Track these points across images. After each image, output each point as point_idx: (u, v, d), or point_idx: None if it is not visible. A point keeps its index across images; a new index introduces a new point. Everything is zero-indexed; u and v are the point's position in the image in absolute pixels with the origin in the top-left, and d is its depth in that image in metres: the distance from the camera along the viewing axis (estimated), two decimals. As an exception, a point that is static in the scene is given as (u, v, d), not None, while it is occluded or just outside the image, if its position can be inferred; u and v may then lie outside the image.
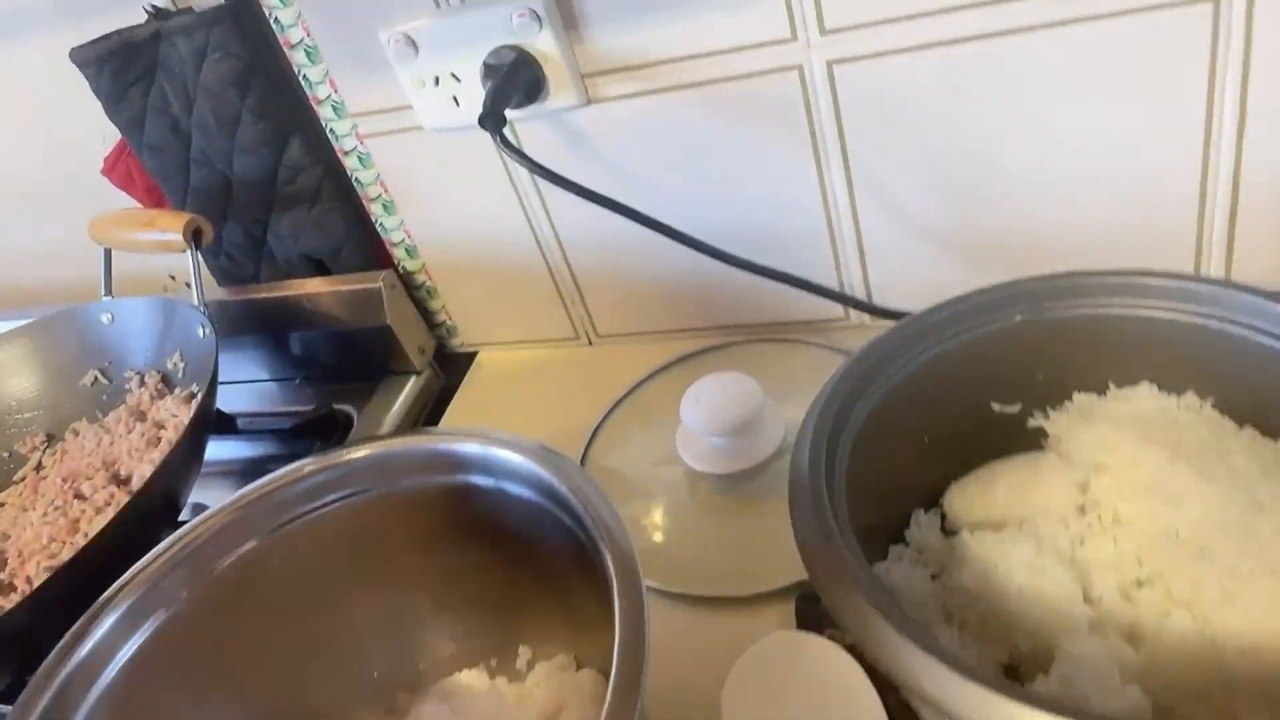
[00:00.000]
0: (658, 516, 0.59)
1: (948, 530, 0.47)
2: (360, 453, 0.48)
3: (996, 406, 0.48)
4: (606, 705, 0.32)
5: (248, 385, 0.81)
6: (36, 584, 0.58)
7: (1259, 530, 0.38)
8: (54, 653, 0.42)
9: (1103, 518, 0.42)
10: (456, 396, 0.76)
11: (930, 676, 0.31)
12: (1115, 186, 0.55)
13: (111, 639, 0.44)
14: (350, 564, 0.49)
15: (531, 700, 0.48)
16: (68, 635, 0.43)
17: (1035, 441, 0.47)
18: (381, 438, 0.50)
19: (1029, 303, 0.45)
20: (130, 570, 0.45)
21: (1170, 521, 0.40)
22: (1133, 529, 0.41)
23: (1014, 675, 0.42)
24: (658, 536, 0.58)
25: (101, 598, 0.44)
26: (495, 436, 0.45)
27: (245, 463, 0.75)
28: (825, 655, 0.46)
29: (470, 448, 0.45)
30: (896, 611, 0.34)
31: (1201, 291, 0.43)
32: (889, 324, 0.61)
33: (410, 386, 0.76)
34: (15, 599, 0.59)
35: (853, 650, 0.46)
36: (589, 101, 0.60)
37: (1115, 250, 0.57)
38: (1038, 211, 0.57)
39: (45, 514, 0.63)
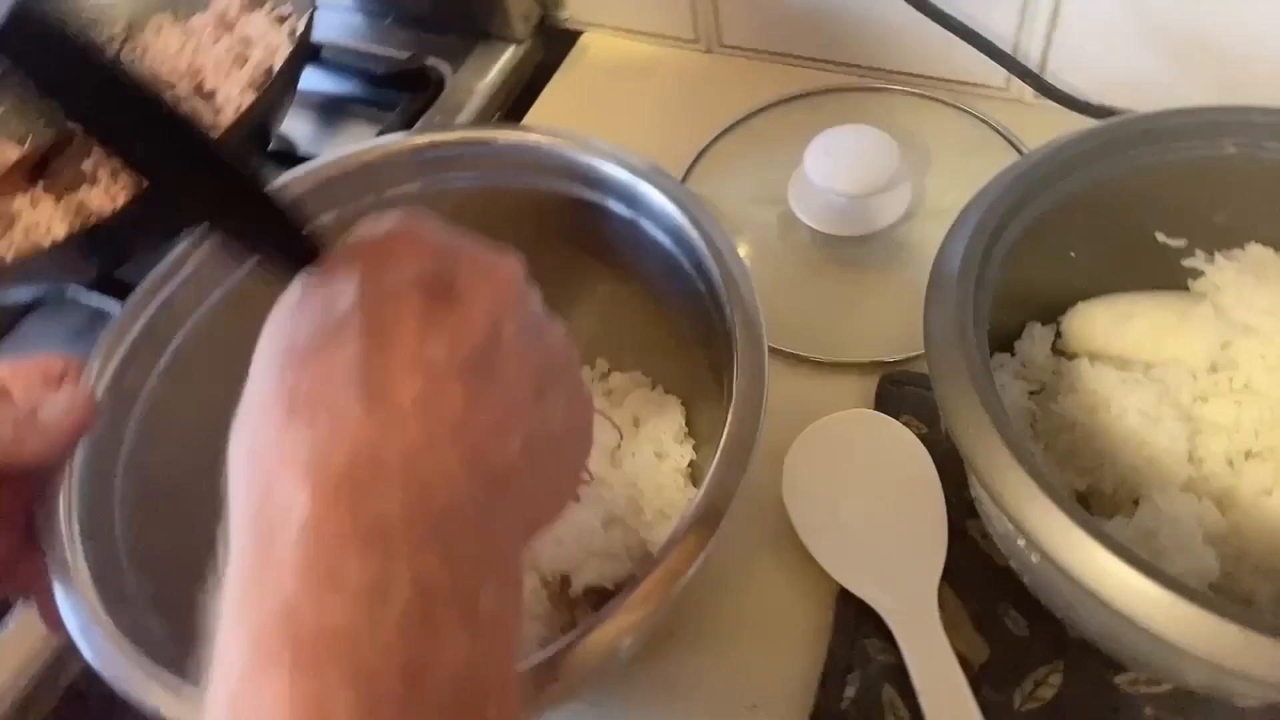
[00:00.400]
0: (747, 259, 0.57)
1: (1058, 351, 0.45)
2: (481, 134, 0.44)
3: (1160, 236, 0.44)
4: (717, 460, 0.32)
5: (334, 11, 0.75)
6: (120, 182, 0.58)
7: (1403, 436, 0.36)
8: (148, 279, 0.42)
9: (1234, 381, 0.40)
10: (554, 79, 0.70)
11: (1030, 501, 0.31)
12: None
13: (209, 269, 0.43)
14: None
15: (608, 404, 0.48)
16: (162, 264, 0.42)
17: (1182, 283, 0.44)
18: (513, 128, 0.45)
19: (1247, 136, 0.40)
20: None
21: (1310, 404, 0.38)
22: (1261, 399, 0.39)
23: (1085, 505, 0.42)
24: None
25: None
26: (635, 164, 0.41)
27: (325, 97, 0.71)
28: (899, 441, 0.46)
29: (608, 168, 0.42)
30: (1008, 425, 0.33)
31: None
32: (1048, 104, 0.56)
33: (508, 56, 0.70)
34: (99, 192, 0.59)
35: (925, 440, 0.46)
36: None
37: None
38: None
39: (126, 113, 0.61)
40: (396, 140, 0.44)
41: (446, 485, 0.21)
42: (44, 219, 0.59)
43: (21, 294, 0.61)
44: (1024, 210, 0.39)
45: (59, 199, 0.60)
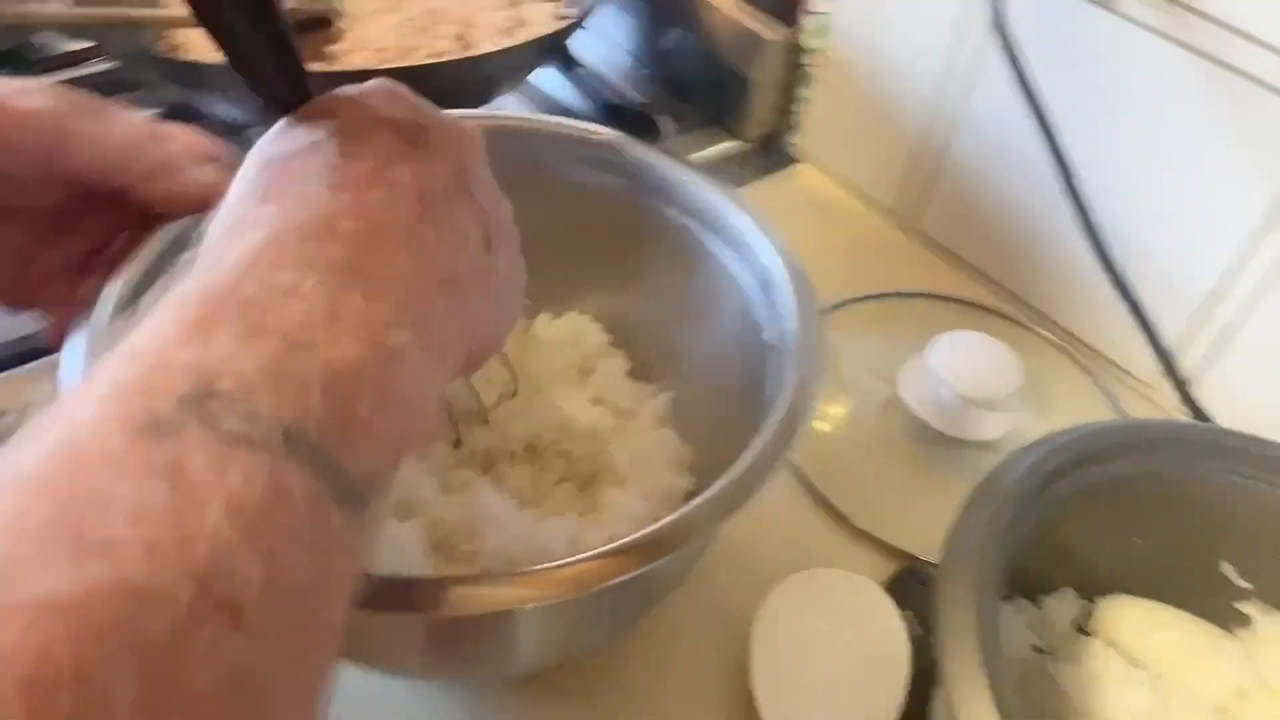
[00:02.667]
0: (838, 413, 0.57)
1: (1082, 629, 0.43)
2: (647, 154, 0.49)
3: (1226, 568, 0.42)
4: (700, 498, 0.32)
5: (605, 42, 0.82)
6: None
7: None
8: None
9: (1237, 736, 0.38)
10: (757, 183, 0.74)
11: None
12: None
13: None
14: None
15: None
16: None
17: (1228, 622, 0.42)
18: (675, 155, 0.49)
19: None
20: None
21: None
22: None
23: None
24: (827, 426, 0.57)
25: None
26: (767, 224, 0.44)
27: (554, 104, 0.77)
28: (889, 627, 0.45)
29: (739, 217, 0.45)
30: (998, 668, 0.32)
31: None
32: (1182, 415, 0.56)
33: (727, 146, 0.74)
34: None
35: (914, 641, 0.44)
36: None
37: None
38: None
39: (399, 26, 0.67)
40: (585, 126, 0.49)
41: (391, 266, 0.24)
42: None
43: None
44: (1096, 466, 0.39)
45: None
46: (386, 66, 0.64)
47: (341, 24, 0.68)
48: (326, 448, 0.20)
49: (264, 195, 0.24)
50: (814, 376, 0.37)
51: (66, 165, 0.34)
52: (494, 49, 0.64)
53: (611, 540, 0.30)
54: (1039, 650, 0.42)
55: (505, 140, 0.48)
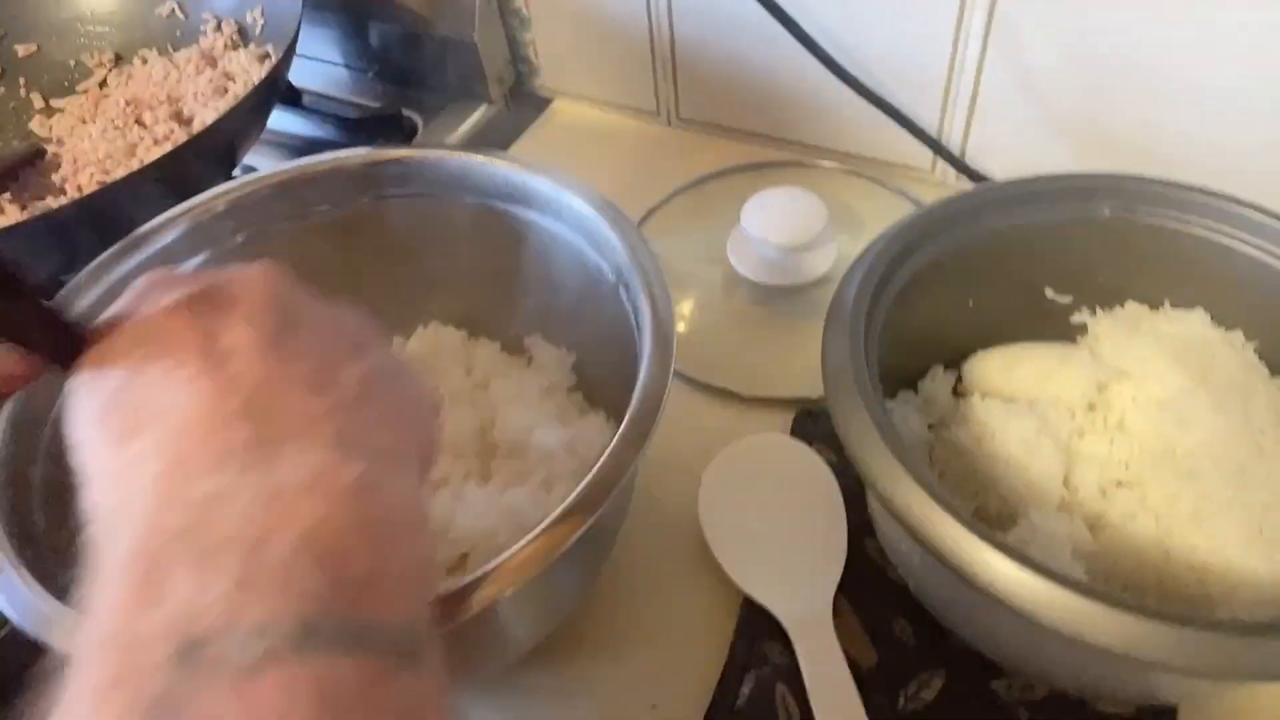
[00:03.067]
0: (687, 308, 0.61)
1: (959, 393, 0.49)
2: (433, 155, 0.48)
3: (1050, 293, 0.48)
4: (615, 440, 0.34)
5: (319, 63, 0.80)
6: (87, 192, 0.60)
7: (1252, 470, 0.40)
8: (108, 253, 0.44)
9: (1108, 420, 0.44)
10: (523, 138, 0.75)
11: (913, 501, 0.34)
12: (1272, 115, 0.53)
13: (155, 262, 0.45)
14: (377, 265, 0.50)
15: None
16: (121, 242, 0.45)
17: (1071, 336, 0.48)
18: (453, 148, 0.50)
19: (1121, 200, 0.45)
20: (189, 202, 0.46)
21: (1171, 440, 0.42)
22: (1131, 437, 0.43)
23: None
24: (682, 326, 0.60)
25: (156, 219, 0.45)
26: (565, 179, 0.45)
27: (302, 140, 0.75)
28: (809, 464, 0.49)
29: (538, 182, 0.46)
30: (899, 440, 0.36)
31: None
32: (968, 186, 0.62)
33: (480, 114, 0.75)
34: (64, 201, 0.61)
35: (832, 467, 0.49)
36: None
37: (1240, 180, 0.55)
38: (1172, 120, 0.55)
39: (105, 130, 0.64)
40: (340, 156, 0.48)
41: (293, 412, 0.23)
42: (3, 224, 0.62)
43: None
44: (915, 255, 0.44)
45: (24, 208, 0.62)
46: (119, 175, 0.61)
47: (52, 150, 0.64)
48: (349, 616, 0.20)
49: (120, 437, 0.23)
50: (662, 291, 0.40)
51: None
52: (218, 114, 0.62)
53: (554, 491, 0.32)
54: (932, 427, 0.47)
55: (282, 196, 0.47)
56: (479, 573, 0.30)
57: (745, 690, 0.41)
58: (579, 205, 0.44)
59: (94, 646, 0.19)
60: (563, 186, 0.45)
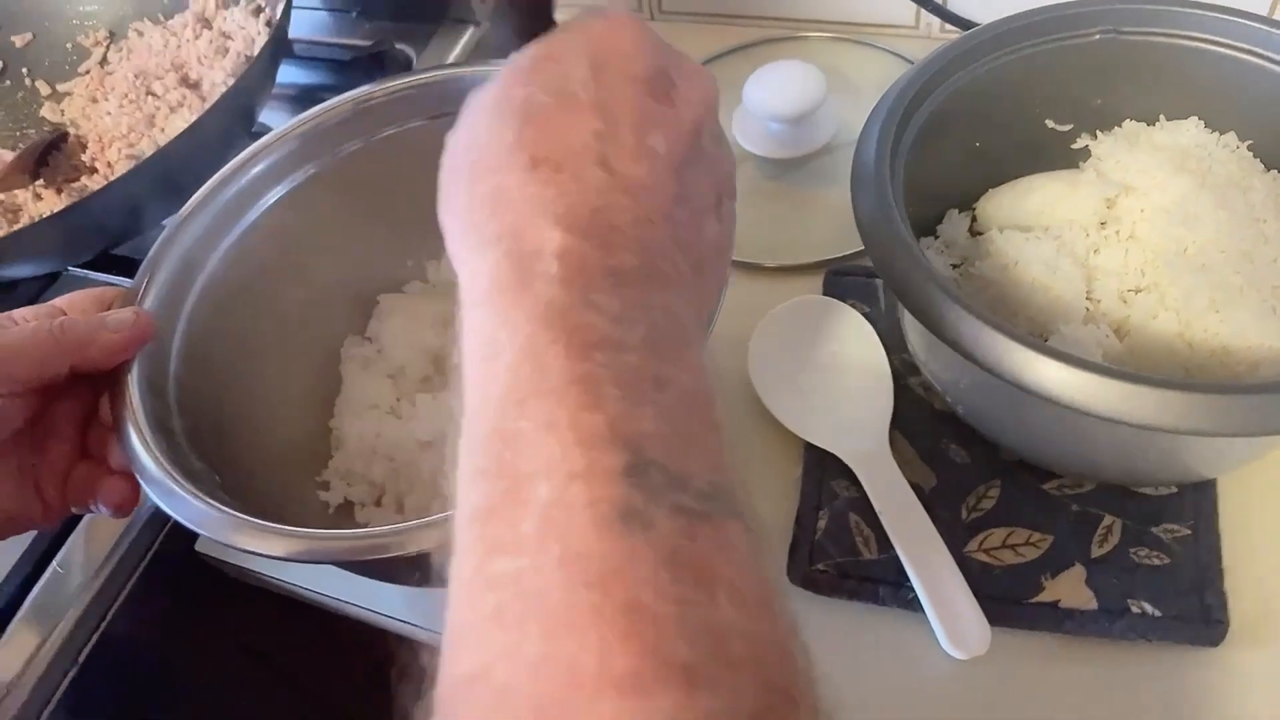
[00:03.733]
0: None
1: (975, 232, 0.52)
2: (444, 73, 0.50)
3: (1050, 123, 0.51)
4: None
5: (302, 11, 0.80)
6: (118, 168, 0.62)
7: (1258, 257, 0.44)
8: (182, 211, 0.47)
9: (1120, 232, 0.47)
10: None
11: (962, 324, 0.37)
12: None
13: (219, 220, 0.48)
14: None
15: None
16: (199, 193, 0.47)
17: (1075, 162, 0.51)
18: (456, 66, 0.51)
19: (1110, 22, 0.47)
20: (248, 150, 0.49)
21: (1181, 239, 0.45)
22: (1144, 245, 0.46)
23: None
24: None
25: (218, 175, 0.48)
26: None
27: (300, 89, 0.76)
28: (846, 318, 0.52)
29: None
30: (938, 274, 0.39)
31: (1276, 36, 0.45)
32: (956, 34, 0.63)
33: (469, 36, 0.76)
34: (99, 180, 0.63)
35: (868, 318, 0.52)
36: None
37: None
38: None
39: (121, 105, 0.66)
40: (399, 81, 0.51)
41: (664, 256, 0.24)
42: (46, 209, 0.64)
43: (23, 270, 0.64)
44: (920, 109, 0.46)
45: (60, 191, 0.65)
46: (144, 147, 0.63)
47: (74, 133, 0.66)
48: (708, 484, 0.21)
49: (534, 160, 0.24)
50: None
51: (14, 389, 0.35)
52: (231, 76, 0.64)
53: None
54: (956, 267, 0.50)
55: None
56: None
57: (821, 524, 0.46)
58: None
59: (534, 403, 0.20)
60: None
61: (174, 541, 0.51)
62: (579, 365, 0.21)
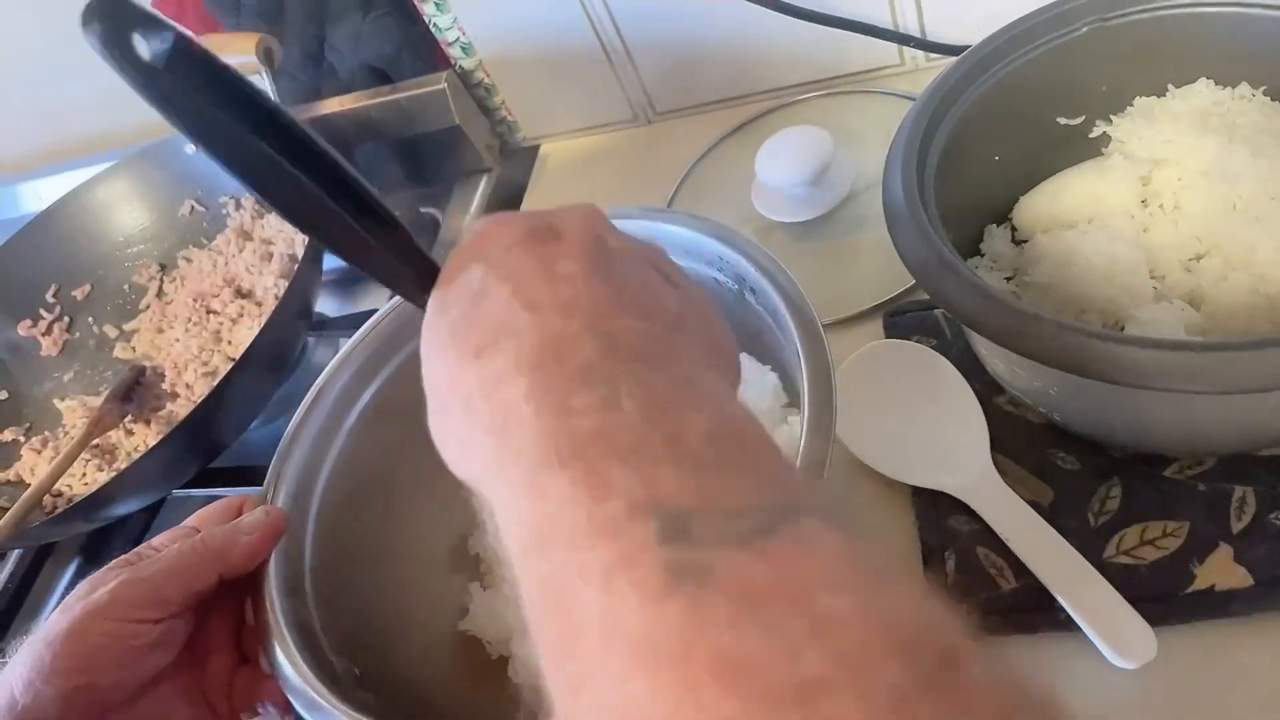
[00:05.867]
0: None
1: (1018, 241, 0.52)
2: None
3: (1061, 120, 0.51)
4: (804, 431, 0.38)
5: (327, 201, 0.85)
6: (198, 389, 0.66)
7: (1308, 195, 0.43)
8: (293, 423, 0.49)
9: (1164, 206, 0.47)
10: (529, 191, 0.80)
11: (1044, 333, 0.37)
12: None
13: (334, 413, 0.50)
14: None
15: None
16: (304, 404, 0.50)
17: (1098, 150, 0.52)
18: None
19: (1094, 13, 0.48)
20: (346, 346, 0.51)
21: (1227, 197, 0.45)
22: (1191, 212, 0.46)
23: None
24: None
25: (320, 380, 0.51)
26: (651, 212, 0.49)
27: (339, 272, 0.80)
28: (917, 355, 0.52)
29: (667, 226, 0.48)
30: (997, 290, 0.40)
31: (1256, -16, 0.46)
32: (946, 62, 0.65)
33: (485, 184, 0.80)
34: (183, 404, 0.66)
35: (938, 349, 0.52)
36: None
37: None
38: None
39: (186, 329, 0.70)
40: None
41: (628, 333, 0.25)
42: (140, 442, 0.67)
43: (131, 505, 0.67)
44: (936, 134, 0.47)
45: (149, 422, 0.68)
46: (217, 363, 0.67)
47: (149, 365, 0.70)
48: (762, 501, 0.21)
49: (475, 351, 0.25)
50: (791, 285, 0.44)
51: (172, 610, 0.37)
52: (281, 278, 0.68)
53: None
54: (1009, 279, 0.51)
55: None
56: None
57: (950, 565, 0.45)
58: (673, 230, 0.48)
59: (558, 541, 0.20)
60: (654, 219, 0.48)
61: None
62: (576, 468, 0.21)
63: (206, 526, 0.41)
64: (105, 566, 0.39)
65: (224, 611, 0.42)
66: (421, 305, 0.30)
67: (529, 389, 0.23)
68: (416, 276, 0.30)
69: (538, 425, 0.22)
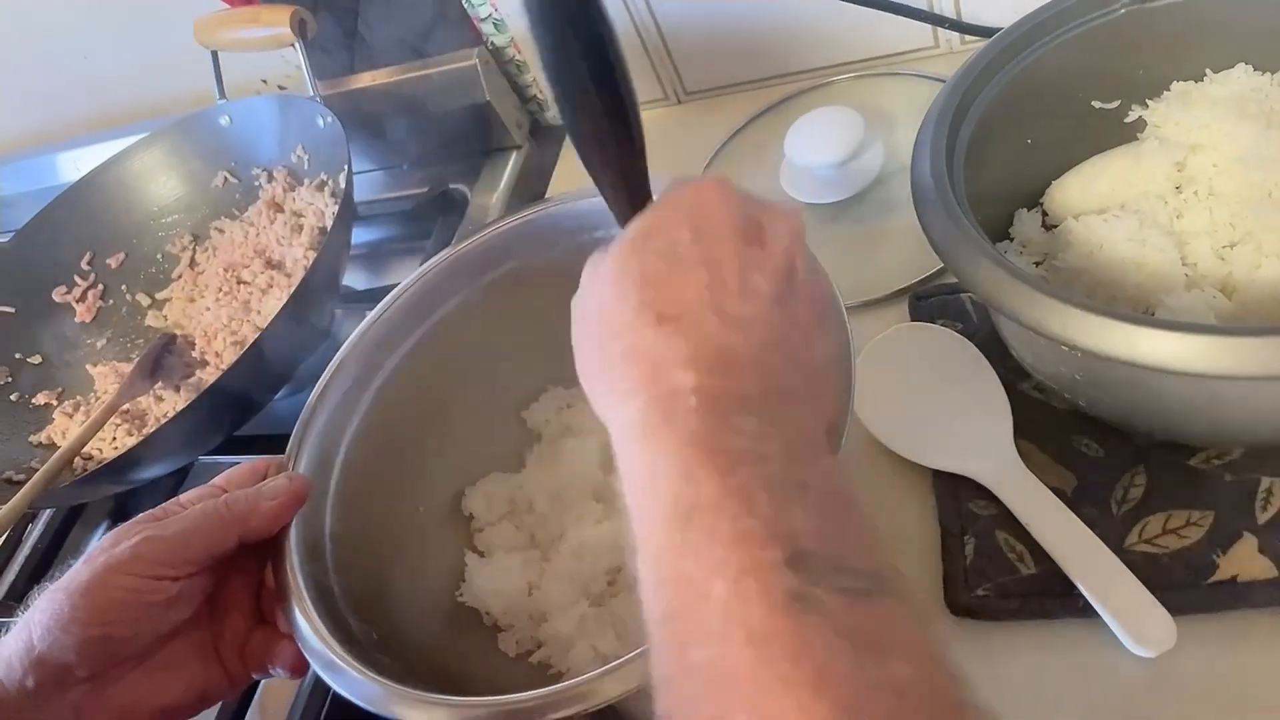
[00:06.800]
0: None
1: (1048, 226, 0.51)
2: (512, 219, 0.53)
3: (1096, 104, 0.51)
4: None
5: (358, 177, 0.86)
6: (226, 358, 0.67)
7: (1348, 184, 0.42)
8: (315, 392, 0.49)
9: (1199, 192, 0.47)
10: (558, 168, 0.80)
11: (1069, 318, 0.37)
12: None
13: (359, 378, 0.51)
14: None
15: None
16: (325, 374, 0.50)
17: (1132, 135, 0.51)
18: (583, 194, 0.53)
19: (1132, -5, 0.47)
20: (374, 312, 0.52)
21: (1263, 184, 0.44)
22: (1226, 198, 0.46)
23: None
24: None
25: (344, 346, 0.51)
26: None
27: (369, 246, 0.81)
28: (942, 339, 0.52)
29: None
30: (1026, 273, 0.39)
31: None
32: (981, 44, 0.64)
33: (514, 162, 0.80)
34: (212, 372, 0.67)
35: (962, 334, 0.52)
36: None
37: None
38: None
39: (217, 299, 0.71)
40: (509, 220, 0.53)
41: (782, 377, 0.28)
42: (169, 408, 0.68)
43: (158, 469, 0.68)
44: (967, 116, 0.47)
45: (178, 389, 0.69)
46: (246, 332, 0.68)
47: (180, 333, 0.71)
48: (864, 567, 0.25)
49: (658, 317, 0.28)
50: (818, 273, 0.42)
51: (191, 569, 0.38)
52: (310, 250, 0.68)
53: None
54: (1038, 264, 0.50)
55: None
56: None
57: (969, 549, 0.45)
58: None
59: (700, 527, 0.24)
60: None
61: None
62: (730, 480, 0.24)
63: (231, 487, 0.42)
64: (131, 520, 0.40)
65: (244, 571, 0.42)
66: (623, 224, 0.32)
67: (697, 385, 0.26)
68: (629, 199, 0.32)
69: (701, 423, 0.26)
